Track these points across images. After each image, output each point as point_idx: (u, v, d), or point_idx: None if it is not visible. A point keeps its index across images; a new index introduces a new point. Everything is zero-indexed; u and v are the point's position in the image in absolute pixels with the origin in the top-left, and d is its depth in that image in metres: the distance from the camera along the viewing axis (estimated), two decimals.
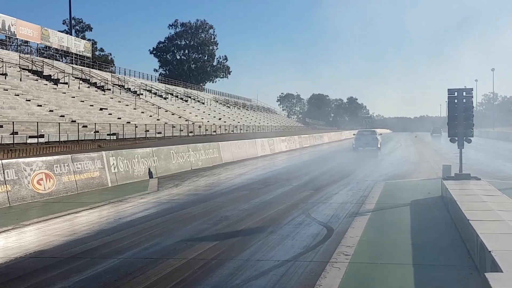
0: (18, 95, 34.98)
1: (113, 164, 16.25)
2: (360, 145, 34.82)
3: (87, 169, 14.95)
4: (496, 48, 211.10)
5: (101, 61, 70.69)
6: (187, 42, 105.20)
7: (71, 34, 63.86)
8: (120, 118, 41.26)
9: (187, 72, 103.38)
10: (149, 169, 18.21)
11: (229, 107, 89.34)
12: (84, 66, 56.92)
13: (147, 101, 55.88)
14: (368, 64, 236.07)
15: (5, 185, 11.94)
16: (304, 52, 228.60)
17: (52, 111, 34.62)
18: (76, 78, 49.85)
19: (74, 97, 42.13)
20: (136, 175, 17.35)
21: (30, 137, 27.07)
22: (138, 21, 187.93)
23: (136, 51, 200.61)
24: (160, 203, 12.33)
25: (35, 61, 45.82)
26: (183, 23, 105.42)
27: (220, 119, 68.87)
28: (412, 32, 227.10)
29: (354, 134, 39.15)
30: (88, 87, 49.69)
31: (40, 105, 34.82)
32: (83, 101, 42.03)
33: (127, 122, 39.75)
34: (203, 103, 77.02)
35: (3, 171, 12.01)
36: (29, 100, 34.75)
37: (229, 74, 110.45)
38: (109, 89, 52.72)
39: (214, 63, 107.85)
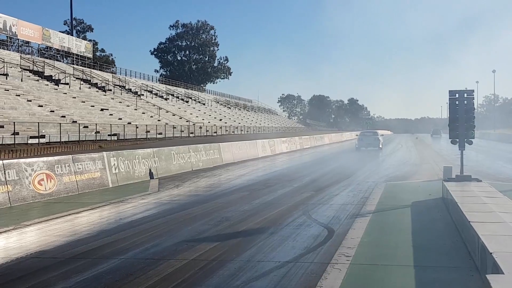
0: (19, 95, 35.01)
1: (114, 164, 16.25)
2: (363, 145, 36.22)
3: (88, 170, 14.95)
4: (497, 50, 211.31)
5: (102, 61, 70.77)
6: (188, 43, 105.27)
7: (72, 35, 63.90)
8: (121, 119, 41.29)
9: (188, 73, 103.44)
10: (150, 169, 18.22)
11: (229, 108, 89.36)
12: (85, 66, 56.95)
13: (148, 102, 55.90)
14: (369, 65, 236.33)
15: (6, 185, 11.95)
16: (305, 53, 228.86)
17: (53, 111, 34.64)
18: (77, 78, 49.89)
19: (75, 97, 42.16)
20: (137, 175, 17.35)
21: (31, 137, 27.09)
22: (139, 21, 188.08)
23: (137, 51, 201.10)
24: (161, 204, 12.33)
25: (36, 62, 45.85)
26: (184, 24, 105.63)
27: (221, 120, 68.89)
28: (413, 33, 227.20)
29: (356, 135, 40.86)
30: (89, 88, 49.71)
31: (41, 106, 34.84)
32: (84, 102, 42.05)
33: (128, 123, 39.76)
34: (204, 104, 77.04)
35: (4, 171, 12.02)
36: (30, 101, 34.78)
37: (230, 75, 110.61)
38: (110, 90, 52.76)
39: (215, 64, 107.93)
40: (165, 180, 17.47)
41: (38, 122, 28.55)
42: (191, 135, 47.99)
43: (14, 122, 26.89)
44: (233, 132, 61.71)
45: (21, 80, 39.43)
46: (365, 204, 11.88)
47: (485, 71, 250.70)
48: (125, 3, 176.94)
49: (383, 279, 6.26)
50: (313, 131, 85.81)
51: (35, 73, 43.79)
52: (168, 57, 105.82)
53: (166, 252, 7.60)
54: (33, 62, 45.17)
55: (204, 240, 8.36)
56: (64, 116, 34.33)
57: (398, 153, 35.50)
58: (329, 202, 12.39)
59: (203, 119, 61.27)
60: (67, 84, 45.46)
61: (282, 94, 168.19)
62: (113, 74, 63.54)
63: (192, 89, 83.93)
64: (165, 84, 77.76)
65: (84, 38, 73.74)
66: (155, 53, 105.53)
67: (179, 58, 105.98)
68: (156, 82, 78.20)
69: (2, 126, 26.47)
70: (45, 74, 44.22)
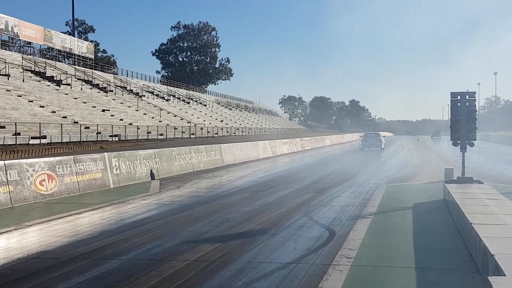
0: (20, 96, 35.06)
1: (115, 165, 16.26)
2: (366, 146, 38.99)
3: (89, 170, 14.96)
4: (498, 52, 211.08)
5: (104, 62, 70.82)
6: (190, 44, 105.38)
7: (73, 36, 64.00)
8: (122, 120, 41.31)
9: (189, 74, 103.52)
10: (151, 170, 18.22)
11: (231, 109, 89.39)
12: (86, 67, 57.01)
13: (149, 103, 55.94)
14: (370, 67, 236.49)
15: (7, 186, 11.95)
16: (306, 55, 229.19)
17: (54, 112, 34.67)
18: (78, 79, 49.94)
19: (76, 98, 42.20)
20: (138, 176, 17.36)
21: (32, 138, 27.11)
22: (141, 22, 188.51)
23: (139, 52, 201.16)
24: (162, 205, 12.33)
25: (38, 62, 45.91)
26: (185, 25, 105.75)
27: (222, 121, 68.91)
28: (415, 35, 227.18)
29: (360, 136, 45.18)
30: (91, 89, 49.76)
31: (43, 106, 34.88)
32: (85, 103, 42.09)
33: (129, 124, 39.79)
34: (205, 105, 77.08)
35: (6, 171, 12.02)
36: (32, 101, 34.82)
37: (231, 76, 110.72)
38: (112, 91, 52.81)
39: (216, 65, 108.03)
40: (166, 181, 17.47)
41: (40, 123, 28.57)
42: (192, 136, 48.01)
43: (15, 123, 26.93)
44: (234, 133, 61.72)
45: (23, 81, 39.48)
46: (366, 206, 11.87)
47: (486, 73, 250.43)
48: (127, 4, 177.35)
49: (384, 280, 6.26)
50: (314, 133, 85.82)
51: (36, 73, 43.85)
52: (170, 58, 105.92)
53: (167, 253, 7.60)
54: (35, 63, 45.23)
55: (206, 241, 8.36)
56: (66, 117, 34.36)
57: (400, 155, 35.49)
58: (330, 203, 12.39)
59: (204, 120, 61.31)
60: (69, 85, 45.51)
61: (283, 96, 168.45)
62: (115, 75, 63.59)
63: (193, 90, 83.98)
64: (167, 85, 77.83)
65: (86, 39, 73.81)
66: (156, 54, 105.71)
67: (180, 59, 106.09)
68: (158, 83, 78.29)
69: (4, 127, 26.50)
70: (46, 75, 44.28)
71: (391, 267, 6.78)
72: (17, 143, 25.75)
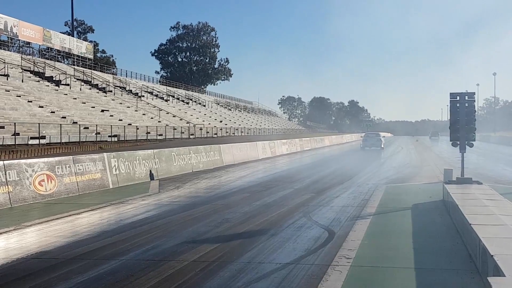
0: (19, 96, 35.03)
1: (115, 165, 16.25)
2: (367, 145, 41.37)
3: (89, 171, 14.95)
4: (498, 53, 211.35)
5: (103, 62, 70.82)
6: (189, 44, 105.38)
7: (73, 36, 63.96)
8: (121, 120, 41.30)
9: (189, 74, 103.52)
10: (150, 171, 18.22)
11: (230, 109, 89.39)
12: (85, 67, 56.99)
13: (148, 103, 55.93)
14: (370, 68, 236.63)
15: (6, 186, 11.94)
16: (306, 55, 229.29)
17: (53, 112, 34.66)
18: (77, 79, 49.93)
19: (75, 98, 42.18)
20: (137, 177, 17.35)
21: (31, 138, 27.10)
22: (140, 23, 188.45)
23: (138, 53, 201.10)
24: (161, 205, 12.33)
25: (37, 62, 45.89)
26: (185, 26, 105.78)
27: (221, 121, 68.91)
28: (414, 36, 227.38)
29: (361, 137, 47.92)
30: (90, 89, 49.74)
31: (42, 107, 34.86)
32: (84, 103, 42.07)
33: (129, 124, 39.78)
34: (204, 106, 77.08)
35: (5, 172, 12.02)
36: (31, 101, 34.79)
37: (231, 76, 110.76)
38: (111, 91, 52.79)
39: (216, 66, 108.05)
40: (165, 181, 17.47)
41: (39, 123, 28.56)
42: (191, 136, 47.99)
43: (14, 123, 26.91)
44: (234, 133, 61.72)
45: (22, 81, 39.46)
46: (365, 206, 11.87)
47: (485, 74, 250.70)
48: (126, 4, 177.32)
49: (384, 281, 6.26)
50: (313, 133, 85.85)
51: (36, 74, 43.83)
52: (169, 58, 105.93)
53: (166, 253, 7.59)
54: (34, 63, 45.21)
55: (205, 242, 8.36)
56: (65, 117, 34.35)
57: (399, 155, 35.50)
58: (330, 204, 12.39)
59: (203, 121, 61.30)
60: (68, 85, 45.49)
61: (283, 96, 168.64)
62: (114, 75, 63.58)
63: (192, 91, 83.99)
64: (166, 85, 77.82)
65: (85, 39, 73.80)
66: (155, 54, 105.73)
67: (179, 59, 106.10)
68: (157, 83, 78.27)
69: (3, 127, 26.48)
70: (45, 75, 44.26)
71: (391, 267, 6.78)
72: (16, 143, 25.74)
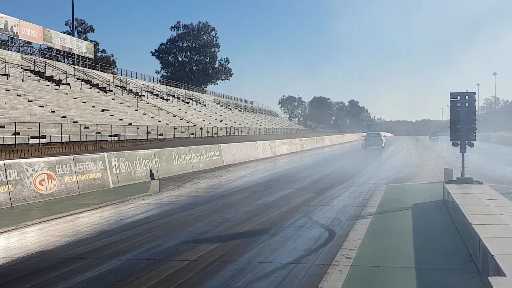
0: (20, 95, 35.03)
1: (115, 165, 16.25)
2: (368, 144, 43.46)
3: (89, 170, 14.95)
4: (498, 53, 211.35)
5: (103, 62, 70.79)
6: (189, 44, 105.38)
7: (73, 35, 63.97)
8: (121, 120, 41.30)
9: (189, 74, 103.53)
10: (151, 170, 18.22)
11: (230, 109, 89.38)
12: (86, 67, 56.99)
13: (148, 103, 55.92)
14: (370, 68, 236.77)
15: (7, 185, 11.95)
16: (306, 55, 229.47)
17: (54, 112, 34.66)
18: (78, 79, 49.93)
19: (76, 98, 42.19)
20: (138, 176, 17.35)
21: (32, 137, 27.10)
22: (140, 22, 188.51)
23: (138, 52, 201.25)
24: (161, 205, 12.33)
25: (37, 62, 45.89)
26: (185, 25, 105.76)
27: (221, 121, 68.91)
28: (415, 36, 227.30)
29: (363, 136, 49.85)
30: (90, 88, 49.74)
31: (42, 106, 34.86)
32: (85, 102, 42.08)
33: (129, 124, 39.78)
34: (205, 105, 77.07)
35: (5, 171, 12.02)
36: (31, 101, 34.80)
37: (231, 76, 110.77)
38: (111, 91, 52.79)
39: (216, 65, 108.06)
40: (166, 181, 17.47)
41: (39, 123, 28.56)
42: (191, 136, 48.00)
43: (15, 122, 26.91)
44: (234, 133, 61.71)
45: (22, 81, 39.45)
46: (366, 206, 11.87)
47: (486, 74, 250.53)
48: (127, 4, 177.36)
49: (384, 281, 6.26)
50: (313, 133, 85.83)
51: (36, 73, 43.84)
52: (169, 58, 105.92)
53: (167, 252, 7.60)
54: (34, 63, 45.21)
55: (205, 241, 8.36)
56: (65, 117, 34.35)
57: (399, 155, 35.49)
58: (330, 203, 12.39)
59: (203, 120, 61.29)
60: (68, 84, 45.49)
61: (283, 96, 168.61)
62: (114, 75, 63.57)
63: (192, 90, 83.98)
64: (166, 85, 77.82)
65: (85, 39, 73.79)
66: (156, 54, 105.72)
67: (180, 59, 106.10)
68: (157, 83, 78.30)
69: (3, 126, 26.49)
70: (46, 75, 44.26)
71: (391, 267, 6.78)
72: (17, 142, 25.74)
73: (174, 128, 45.78)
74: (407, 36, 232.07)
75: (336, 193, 14.37)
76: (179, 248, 7.87)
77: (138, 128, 39.06)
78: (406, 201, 12.61)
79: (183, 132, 46.50)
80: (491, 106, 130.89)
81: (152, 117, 48.95)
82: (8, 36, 48.13)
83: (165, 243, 8.19)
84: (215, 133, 55.21)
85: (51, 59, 52.91)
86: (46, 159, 13.77)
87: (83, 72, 52.71)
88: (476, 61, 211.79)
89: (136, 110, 49.09)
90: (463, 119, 13.36)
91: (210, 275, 6.47)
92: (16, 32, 47.57)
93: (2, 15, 45.79)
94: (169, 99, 66.13)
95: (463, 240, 8.06)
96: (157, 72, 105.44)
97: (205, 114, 68.94)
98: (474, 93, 13.71)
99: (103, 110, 42.15)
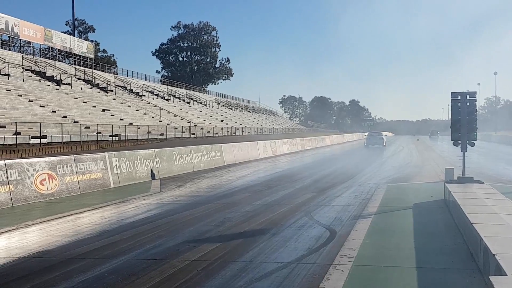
0: (21, 95, 35.04)
1: (116, 165, 16.26)
2: (370, 143, 45.30)
3: (90, 170, 14.96)
4: (498, 52, 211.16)
5: (104, 62, 70.77)
6: (190, 44, 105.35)
7: (74, 35, 63.98)
8: (122, 119, 41.30)
9: (190, 74, 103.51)
10: (152, 170, 18.22)
11: (231, 109, 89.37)
12: (86, 67, 56.99)
13: (149, 103, 55.93)
14: (371, 67, 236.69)
15: (8, 185, 11.96)
16: (307, 55, 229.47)
17: (54, 112, 34.67)
18: (78, 79, 49.93)
19: (76, 98, 42.19)
20: (139, 176, 17.36)
21: (32, 137, 27.10)
22: (141, 22, 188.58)
23: (139, 52, 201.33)
24: (162, 205, 12.33)
25: (38, 62, 45.90)
26: (185, 25, 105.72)
27: (222, 121, 68.90)
28: (415, 35, 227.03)
29: (365, 135, 53.40)
30: (91, 88, 49.75)
31: (43, 106, 34.87)
32: (85, 102, 42.08)
33: (130, 124, 39.77)
34: (205, 105, 77.06)
35: (6, 171, 12.03)
36: (32, 101, 34.80)
37: (232, 76, 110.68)
38: (112, 90, 52.79)
39: (217, 65, 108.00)
40: (166, 181, 17.47)
41: (40, 123, 28.56)
42: (192, 136, 48.00)
43: (16, 122, 26.91)
44: (235, 133, 61.70)
45: (23, 81, 39.46)
46: (367, 206, 11.87)
47: (487, 73, 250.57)
48: (127, 4, 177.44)
49: (385, 280, 6.26)
50: (314, 133, 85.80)
51: (36, 73, 43.84)
52: (170, 58, 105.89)
53: (168, 252, 7.60)
54: (35, 63, 45.22)
55: (206, 241, 8.36)
56: (66, 117, 34.35)
57: (400, 155, 35.48)
58: (331, 203, 12.39)
59: (204, 120, 61.29)
60: (69, 84, 45.49)
61: (284, 95, 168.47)
62: (115, 75, 63.57)
63: (193, 90, 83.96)
64: (167, 85, 77.81)
65: (86, 39, 73.79)
66: (156, 54, 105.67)
67: (180, 59, 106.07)
68: (158, 83, 78.28)
69: (4, 126, 26.49)
70: (46, 75, 44.26)
71: (392, 266, 6.78)
72: (18, 142, 25.74)
73: (175, 128, 45.78)
74: (408, 36, 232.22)
75: (337, 192, 14.37)
76: (180, 247, 7.88)
77: (139, 128, 39.06)
78: (407, 200, 12.61)
79: (184, 132, 46.49)
80: (492, 105, 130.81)
81: (152, 117, 48.95)
82: (9, 36, 48.15)
83: (166, 243, 8.19)
84: (216, 133, 55.20)
85: (51, 59, 52.92)
86: (47, 159, 13.78)
87: (84, 72, 52.72)
88: (476, 60, 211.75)
89: (137, 110, 49.10)
90: (464, 119, 13.36)
91: (211, 274, 6.47)
92: (17, 32, 47.58)
93: (2, 15, 45.80)
94: (169, 99, 66.14)
95: (464, 240, 8.06)
96: (158, 72, 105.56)
97: (206, 114, 68.94)
98: (475, 92, 13.72)
99: (103, 110, 42.15)
